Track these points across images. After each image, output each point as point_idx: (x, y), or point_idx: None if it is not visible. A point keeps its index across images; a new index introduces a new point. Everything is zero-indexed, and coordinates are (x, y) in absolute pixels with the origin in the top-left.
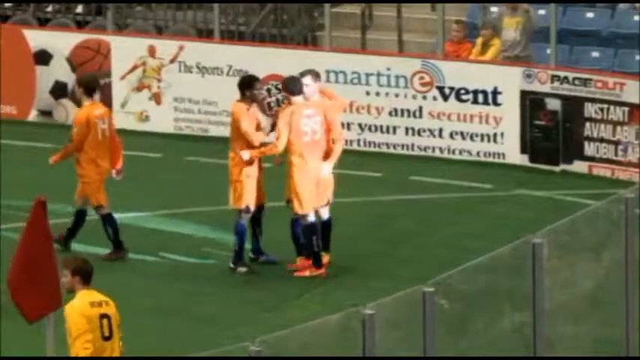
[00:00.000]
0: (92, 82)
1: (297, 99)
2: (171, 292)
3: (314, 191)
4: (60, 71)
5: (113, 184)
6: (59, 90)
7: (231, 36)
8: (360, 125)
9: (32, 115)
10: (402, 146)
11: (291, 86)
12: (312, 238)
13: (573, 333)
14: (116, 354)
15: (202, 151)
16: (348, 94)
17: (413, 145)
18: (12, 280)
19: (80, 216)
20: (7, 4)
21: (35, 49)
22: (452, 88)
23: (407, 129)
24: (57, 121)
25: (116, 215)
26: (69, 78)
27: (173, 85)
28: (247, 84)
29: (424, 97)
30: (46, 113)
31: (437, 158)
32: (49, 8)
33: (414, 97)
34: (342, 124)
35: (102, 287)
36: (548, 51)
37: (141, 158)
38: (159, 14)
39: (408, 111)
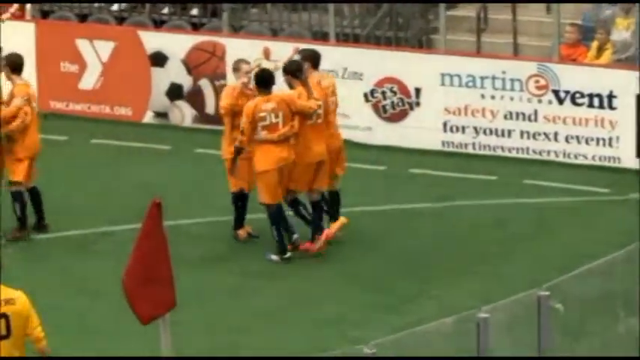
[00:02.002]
0: (19, 60)
1: (299, 82)
2: (289, 294)
3: (311, 172)
4: (175, 73)
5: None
6: (174, 92)
7: (346, 38)
8: (475, 128)
9: (147, 117)
10: (517, 150)
11: (295, 69)
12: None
13: None
14: (16, 351)
15: None
16: (463, 98)
17: (528, 148)
18: (127, 281)
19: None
20: (123, 6)
21: (151, 51)
22: (567, 92)
23: (522, 132)
24: (172, 123)
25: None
26: (184, 80)
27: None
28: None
29: (539, 101)
30: (161, 115)
31: (552, 162)
32: (165, 10)
33: (529, 100)
34: (457, 128)
35: (221, 289)
36: None
37: None
38: (274, 16)
39: (523, 114)
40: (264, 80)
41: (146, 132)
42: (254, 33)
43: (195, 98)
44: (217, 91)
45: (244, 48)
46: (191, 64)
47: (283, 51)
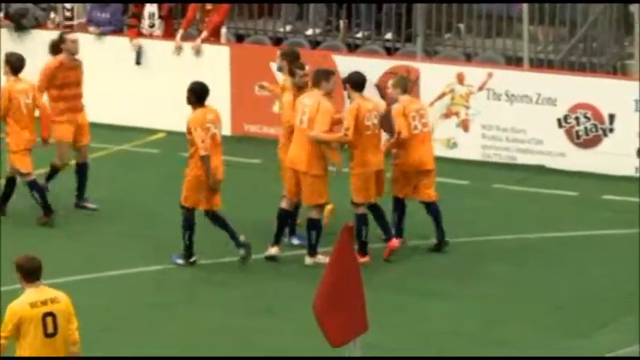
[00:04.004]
0: (20, 61)
1: (358, 94)
2: (472, 317)
3: (372, 182)
4: (369, 97)
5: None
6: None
7: (540, 64)
8: None
9: None
10: None
11: (358, 81)
12: (362, 228)
13: None
14: (62, 351)
15: (509, 179)
16: None
17: None
18: (318, 304)
19: (10, 183)
20: (317, 30)
21: (345, 75)
22: None
23: None
24: None
25: (423, 241)
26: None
27: (481, 112)
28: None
29: None
30: None
31: None
32: (359, 35)
33: None
34: None
35: (403, 310)
36: None
37: (448, 185)
38: (468, 41)
39: None
40: (198, 94)
41: None
42: (448, 58)
43: (389, 123)
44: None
45: (438, 72)
46: (384, 88)
47: (477, 76)
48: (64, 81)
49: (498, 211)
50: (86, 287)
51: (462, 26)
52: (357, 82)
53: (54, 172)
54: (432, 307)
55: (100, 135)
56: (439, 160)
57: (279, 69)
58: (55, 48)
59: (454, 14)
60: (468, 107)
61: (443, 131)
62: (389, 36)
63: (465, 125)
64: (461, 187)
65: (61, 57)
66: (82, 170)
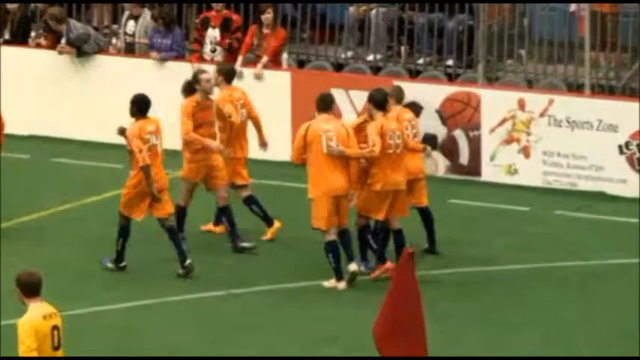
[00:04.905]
0: None
1: (380, 114)
2: (541, 342)
3: (386, 203)
4: (430, 123)
5: (482, 237)
6: (429, 142)
7: (602, 90)
8: None
9: None
10: None
11: (380, 99)
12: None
13: None
14: None
15: (570, 206)
16: None
17: None
18: (378, 329)
19: None
20: (378, 56)
21: (406, 101)
22: None
23: None
24: (425, 173)
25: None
26: (439, 130)
27: (542, 138)
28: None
29: None
30: None
31: None
32: (420, 61)
33: None
34: None
35: (470, 337)
36: None
37: (509, 211)
38: (529, 67)
39: None
40: (139, 105)
41: None
42: (509, 84)
43: (450, 148)
44: (471, 142)
45: (499, 99)
46: (445, 114)
47: (538, 102)
48: (200, 121)
49: (559, 237)
50: (149, 313)
51: (523, 52)
52: (378, 100)
53: (180, 215)
54: (496, 336)
55: (165, 161)
56: (500, 186)
57: (215, 85)
58: (189, 88)
59: (515, 40)
60: (529, 133)
61: (504, 157)
62: (450, 62)
63: (526, 151)
64: (522, 214)
65: (197, 97)
66: (226, 211)
